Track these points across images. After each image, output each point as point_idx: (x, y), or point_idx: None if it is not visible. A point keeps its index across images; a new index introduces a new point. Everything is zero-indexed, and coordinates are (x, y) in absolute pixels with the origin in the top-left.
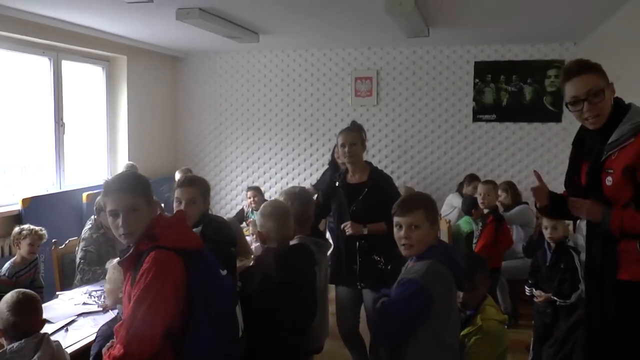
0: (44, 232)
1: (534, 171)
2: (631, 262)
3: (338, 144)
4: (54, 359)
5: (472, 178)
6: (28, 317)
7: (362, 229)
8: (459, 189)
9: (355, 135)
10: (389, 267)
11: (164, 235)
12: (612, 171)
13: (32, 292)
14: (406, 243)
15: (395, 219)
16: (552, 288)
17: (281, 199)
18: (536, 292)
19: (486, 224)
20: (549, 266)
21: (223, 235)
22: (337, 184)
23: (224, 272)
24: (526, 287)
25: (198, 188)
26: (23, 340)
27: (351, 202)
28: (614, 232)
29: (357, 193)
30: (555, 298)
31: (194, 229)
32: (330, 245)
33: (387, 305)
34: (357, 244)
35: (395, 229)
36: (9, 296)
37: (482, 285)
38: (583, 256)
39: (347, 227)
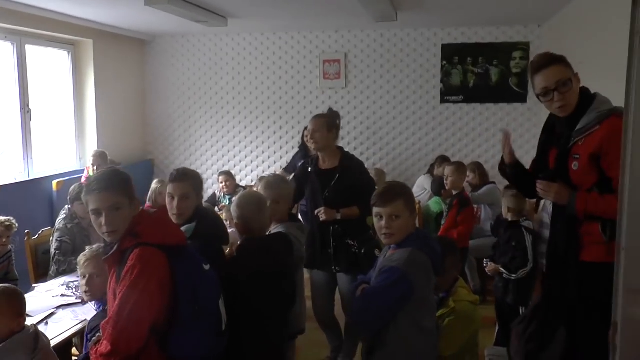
0: (13, 221)
1: (504, 129)
2: (593, 244)
3: None
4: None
5: (443, 159)
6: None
7: (336, 215)
8: (430, 171)
9: (319, 121)
10: (362, 251)
11: (147, 233)
12: (578, 156)
13: (13, 286)
14: (387, 232)
15: (376, 210)
16: (501, 262)
17: (261, 186)
18: (488, 263)
19: (452, 205)
20: (501, 243)
21: (217, 230)
22: (309, 170)
23: (207, 267)
24: (485, 260)
25: (191, 183)
26: (15, 338)
27: (324, 188)
28: (578, 214)
29: (329, 179)
30: (502, 270)
31: (189, 225)
32: (308, 228)
33: (368, 293)
34: (331, 228)
35: (375, 219)
36: None
37: (452, 268)
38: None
39: (321, 213)
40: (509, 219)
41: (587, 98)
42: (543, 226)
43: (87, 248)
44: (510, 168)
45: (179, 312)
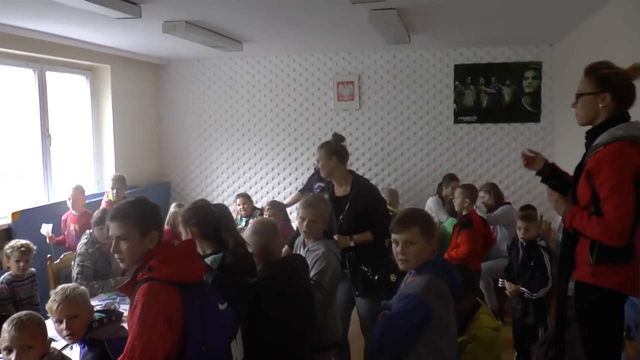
0: (30, 245)
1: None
2: (582, 264)
3: None
4: None
5: (451, 178)
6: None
7: (349, 241)
8: (439, 191)
9: (320, 151)
10: (376, 277)
11: (159, 268)
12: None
13: (35, 313)
14: (402, 258)
15: (393, 236)
16: (523, 283)
17: (300, 205)
18: (506, 284)
19: (455, 227)
20: (521, 264)
21: (244, 265)
22: (326, 197)
23: (223, 306)
24: (500, 280)
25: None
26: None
27: (338, 214)
28: (567, 227)
29: (342, 205)
30: (524, 290)
31: (215, 255)
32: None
33: (388, 318)
34: (346, 255)
35: (393, 245)
36: (15, 317)
37: (465, 295)
38: None
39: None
40: (524, 239)
41: (615, 120)
42: (558, 245)
43: (52, 292)
44: (542, 174)
45: (187, 350)
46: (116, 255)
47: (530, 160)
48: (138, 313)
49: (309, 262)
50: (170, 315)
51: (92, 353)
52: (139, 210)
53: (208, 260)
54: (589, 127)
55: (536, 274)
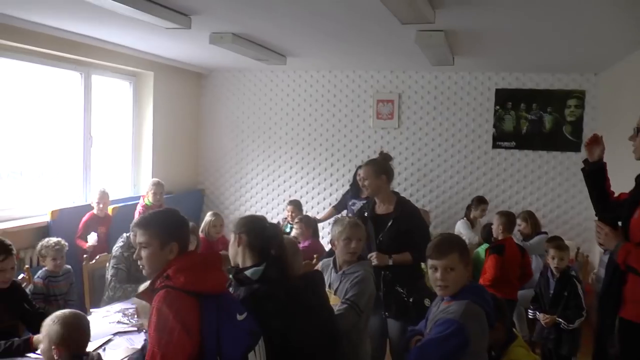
0: (62, 241)
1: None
2: (632, 302)
3: None
4: None
5: (480, 201)
6: (79, 335)
7: (388, 260)
8: (467, 214)
9: (368, 169)
10: (411, 300)
11: (177, 277)
12: None
13: (79, 312)
14: (442, 284)
15: (430, 262)
16: (557, 313)
17: (339, 226)
18: (540, 316)
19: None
20: (554, 294)
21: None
22: (366, 214)
23: (242, 316)
24: (530, 310)
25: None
26: None
27: (378, 232)
28: (619, 264)
29: (383, 224)
30: (561, 320)
31: (256, 268)
32: None
33: (424, 344)
34: (382, 274)
35: (430, 271)
36: (59, 314)
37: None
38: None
39: (373, 258)
40: (557, 269)
41: None
42: (599, 280)
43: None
44: (591, 167)
45: (203, 359)
46: (138, 262)
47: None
48: (154, 320)
49: (345, 285)
50: (187, 323)
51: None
52: (161, 221)
53: (248, 272)
54: None
55: (571, 304)
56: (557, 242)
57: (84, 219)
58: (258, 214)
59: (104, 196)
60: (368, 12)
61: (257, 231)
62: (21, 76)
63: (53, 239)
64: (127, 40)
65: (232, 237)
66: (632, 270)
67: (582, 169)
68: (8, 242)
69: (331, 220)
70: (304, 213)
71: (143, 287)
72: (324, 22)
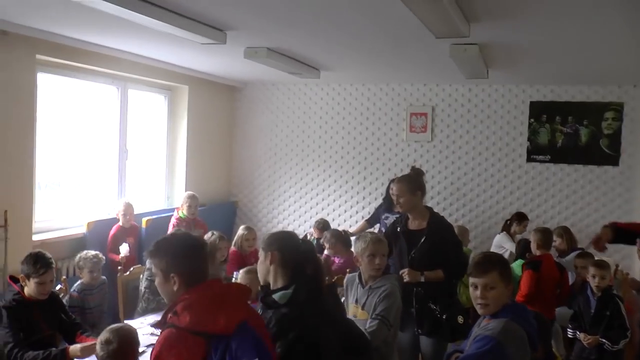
0: (100, 255)
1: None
2: None
3: None
4: None
5: (521, 217)
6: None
7: (419, 277)
8: (506, 228)
9: (402, 187)
10: (444, 317)
11: (182, 315)
12: None
13: (130, 327)
14: (482, 303)
15: (471, 280)
16: (599, 334)
17: (362, 243)
18: (581, 336)
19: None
20: (595, 313)
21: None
22: (398, 229)
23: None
24: (569, 330)
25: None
26: None
27: (411, 248)
28: None
29: (416, 240)
30: (604, 340)
31: (284, 292)
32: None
33: (462, 359)
34: (414, 290)
35: (470, 289)
36: (114, 328)
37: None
38: None
39: (405, 274)
40: (598, 288)
41: None
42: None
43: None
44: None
45: None
46: None
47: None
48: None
49: (373, 299)
50: None
51: None
52: (164, 250)
53: (276, 296)
54: None
55: (614, 324)
56: (597, 260)
57: (112, 232)
58: (290, 226)
59: (128, 207)
60: (402, 26)
61: (290, 248)
62: (61, 90)
63: (91, 252)
64: (163, 55)
65: (261, 254)
66: None
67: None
68: (48, 255)
69: None
70: (336, 228)
71: None
72: (358, 37)
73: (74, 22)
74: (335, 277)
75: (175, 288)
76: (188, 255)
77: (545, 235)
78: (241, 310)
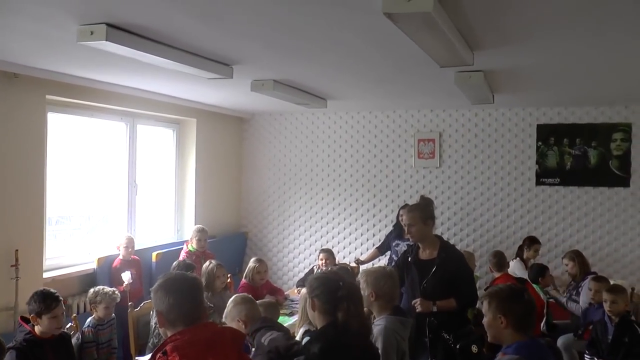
0: (117, 293)
1: None
2: None
3: None
4: None
5: (532, 241)
6: None
7: (432, 307)
8: (519, 254)
9: (414, 216)
10: (457, 346)
11: (171, 356)
12: None
13: None
14: None
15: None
16: None
17: (369, 277)
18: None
19: None
20: (613, 340)
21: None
22: (409, 259)
23: None
24: (586, 356)
25: None
26: None
27: (422, 278)
28: None
29: (427, 269)
30: None
31: (307, 338)
32: (412, 321)
33: None
34: (427, 320)
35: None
36: None
37: None
38: None
39: (417, 304)
40: (611, 313)
41: None
42: None
43: None
44: None
45: None
46: None
47: None
48: None
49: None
50: None
51: None
52: (154, 292)
53: (304, 340)
54: None
55: (634, 351)
56: (609, 285)
57: (113, 265)
58: (301, 255)
59: (130, 240)
60: (407, 56)
61: (328, 295)
62: (71, 128)
63: (108, 288)
64: (170, 89)
65: (307, 300)
66: None
67: None
68: (53, 290)
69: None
70: (344, 260)
71: None
72: (363, 67)
73: (82, 62)
74: None
75: (162, 327)
76: (172, 295)
77: (498, 257)
78: (232, 355)
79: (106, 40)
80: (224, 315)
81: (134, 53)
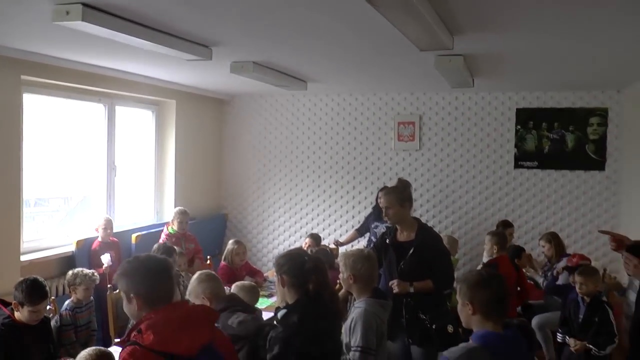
0: (96, 275)
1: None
2: None
3: None
4: None
5: (505, 224)
6: None
7: (409, 288)
8: None
9: (390, 199)
10: (433, 326)
11: (145, 334)
12: None
13: (107, 350)
14: None
15: None
16: (587, 339)
17: (348, 260)
18: (570, 341)
19: None
20: (584, 319)
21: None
22: (387, 241)
23: None
24: (558, 334)
25: None
26: None
27: (400, 260)
28: None
29: (405, 251)
30: (591, 346)
31: (283, 311)
32: (391, 304)
33: None
34: (404, 301)
35: None
36: (90, 352)
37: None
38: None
39: (394, 285)
40: (582, 294)
41: None
42: (629, 304)
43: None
44: None
45: None
46: None
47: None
48: None
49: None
50: None
51: None
52: (124, 272)
53: (279, 314)
54: None
55: (602, 330)
56: (581, 268)
57: (92, 247)
58: (281, 237)
59: (108, 222)
60: (387, 40)
61: (296, 270)
62: (47, 109)
63: (87, 270)
64: (150, 71)
65: (275, 278)
66: None
67: None
68: (44, 284)
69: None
70: (323, 242)
71: None
72: (342, 50)
73: (58, 42)
74: None
75: (136, 308)
76: (148, 277)
77: (500, 237)
78: (206, 332)
79: (82, 20)
80: (187, 292)
81: (110, 34)
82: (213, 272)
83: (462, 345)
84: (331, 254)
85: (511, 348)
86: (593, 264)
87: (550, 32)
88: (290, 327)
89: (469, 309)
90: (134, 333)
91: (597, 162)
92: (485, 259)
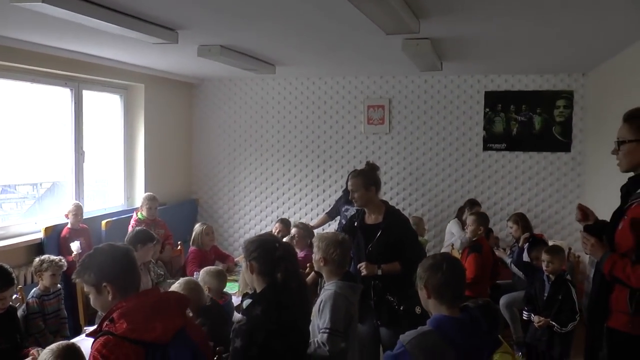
0: (64, 261)
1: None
2: (618, 312)
3: None
4: None
5: (473, 203)
6: None
7: (377, 270)
8: (459, 215)
9: (356, 182)
10: (401, 308)
11: (118, 323)
12: (625, 217)
13: (73, 343)
14: None
15: None
16: (550, 316)
17: (321, 243)
18: (535, 318)
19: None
20: (548, 297)
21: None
22: (355, 224)
23: None
24: (524, 312)
25: None
26: None
27: (368, 242)
28: (605, 274)
29: (372, 234)
30: (554, 323)
31: (247, 300)
32: (362, 287)
33: (385, 357)
34: (372, 283)
35: None
36: (54, 348)
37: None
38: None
39: (362, 268)
40: (548, 272)
41: None
42: (589, 281)
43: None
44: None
45: None
46: None
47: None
48: None
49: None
50: None
51: None
52: (89, 265)
53: (244, 303)
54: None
55: (565, 307)
56: (548, 247)
57: (62, 234)
58: (252, 221)
59: (78, 208)
60: (353, 23)
61: (266, 257)
62: (11, 94)
63: (53, 257)
64: (117, 54)
65: (244, 263)
66: (617, 281)
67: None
68: (10, 270)
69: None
70: (300, 220)
71: None
72: (309, 33)
73: (19, 24)
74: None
75: (110, 297)
76: (120, 262)
77: (486, 220)
78: (178, 318)
79: (42, 2)
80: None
81: (71, 15)
82: (196, 281)
83: (418, 329)
84: (311, 230)
85: (464, 332)
86: (559, 243)
87: (516, 16)
88: (253, 319)
89: (425, 293)
90: (106, 322)
91: (563, 144)
92: (462, 240)
